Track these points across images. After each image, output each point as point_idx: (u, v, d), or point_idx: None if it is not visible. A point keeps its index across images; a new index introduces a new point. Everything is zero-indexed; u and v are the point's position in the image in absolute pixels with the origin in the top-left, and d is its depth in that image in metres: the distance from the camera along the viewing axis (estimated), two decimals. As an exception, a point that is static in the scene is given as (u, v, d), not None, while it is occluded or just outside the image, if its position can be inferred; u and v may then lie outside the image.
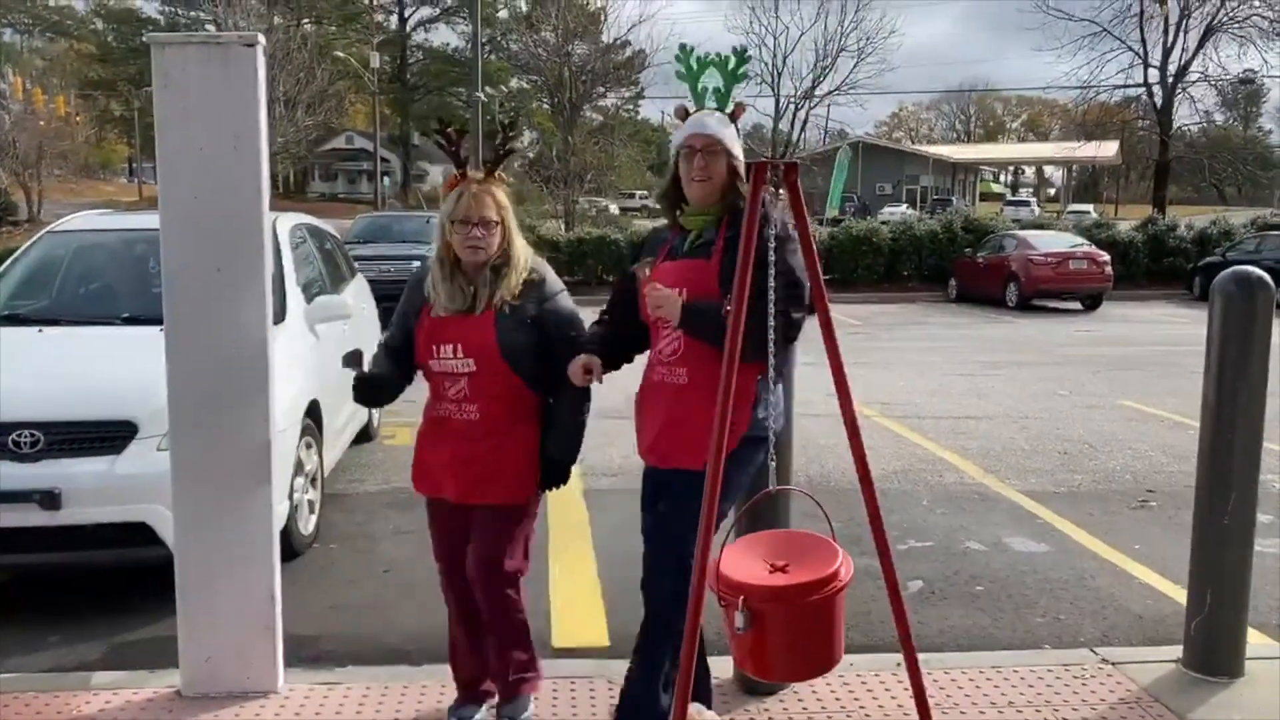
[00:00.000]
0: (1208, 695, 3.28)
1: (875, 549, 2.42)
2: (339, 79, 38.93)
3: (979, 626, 4.11)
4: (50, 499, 3.87)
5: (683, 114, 2.74)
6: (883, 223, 24.82)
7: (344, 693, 3.29)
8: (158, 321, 3.25)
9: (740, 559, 2.32)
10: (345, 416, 6.03)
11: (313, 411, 5.03)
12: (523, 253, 2.90)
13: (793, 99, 35.23)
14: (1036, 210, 43.36)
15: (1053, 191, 73.38)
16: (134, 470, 3.97)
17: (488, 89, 34.38)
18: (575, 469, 3.03)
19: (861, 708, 3.18)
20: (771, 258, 2.41)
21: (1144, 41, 32.03)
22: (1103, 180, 62.13)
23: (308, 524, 4.95)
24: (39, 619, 4.10)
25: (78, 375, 4.38)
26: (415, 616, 4.15)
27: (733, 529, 2.44)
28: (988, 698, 3.26)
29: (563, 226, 23.71)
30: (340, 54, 42.30)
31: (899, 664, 3.25)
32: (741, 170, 2.69)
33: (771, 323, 2.42)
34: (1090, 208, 43.95)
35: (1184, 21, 31.66)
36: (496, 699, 3.08)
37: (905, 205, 46.60)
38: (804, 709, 3.18)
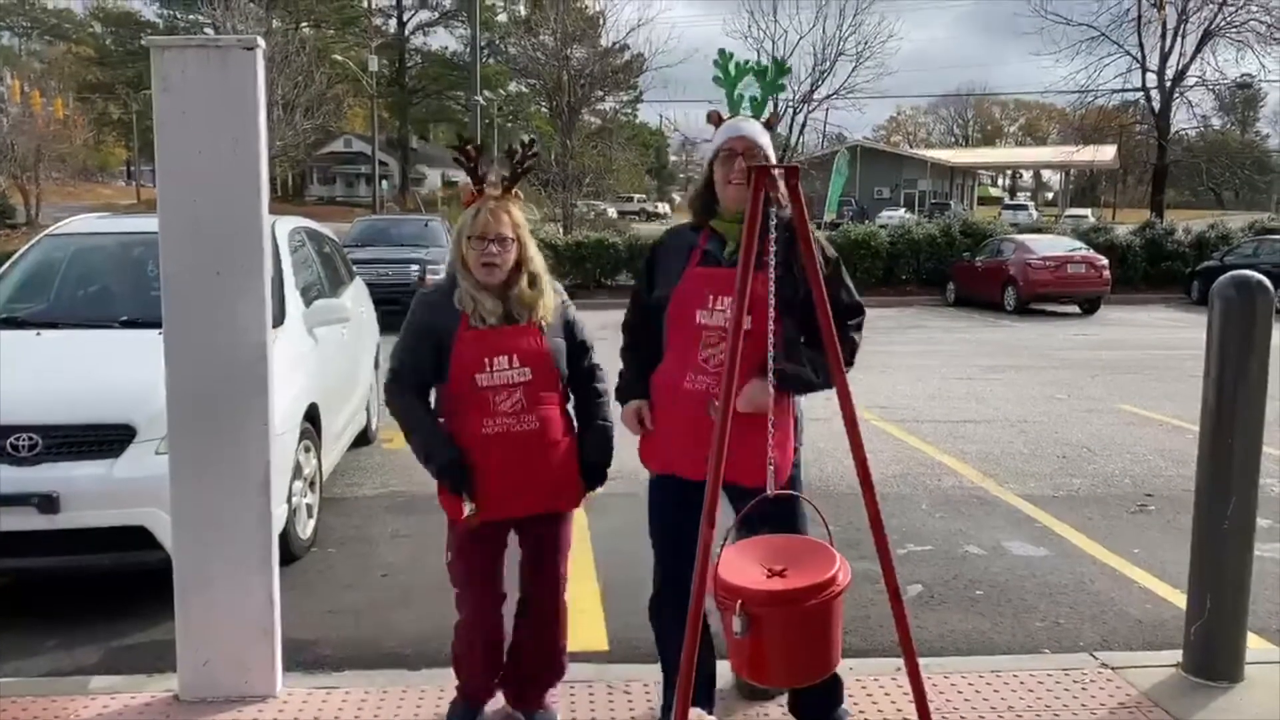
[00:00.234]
0: (1207, 700, 3.27)
1: (874, 552, 2.42)
2: (337, 82, 38.98)
3: (978, 631, 4.11)
4: (48, 502, 3.86)
5: (716, 119, 2.73)
6: (881, 226, 24.81)
7: (342, 697, 3.28)
8: (156, 325, 3.24)
9: (738, 563, 2.31)
10: (344, 420, 6.02)
11: (311, 415, 5.03)
12: (543, 264, 2.98)
13: (791, 103, 35.27)
14: (1034, 214, 43.40)
15: (1050, 195, 73.44)
16: (132, 474, 3.96)
17: (486, 93, 34.41)
18: None
19: (861, 712, 3.17)
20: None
21: (1142, 46, 32.11)
22: (1100, 184, 62.24)
23: (306, 528, 4.94)
24: (37, 623, 4.09)
25: (76, 378, 4.37)
26: (413, 621, 4.14)
27: (729, 534, 2.43)
28: (987, 702, 3.25)
29: (561, 230, 23.72)
30: (339, 57, 42.37)
31: (898, 668, 3.24)
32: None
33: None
34: (1088, 212, 44.08)
35: (1181, 26, 31.72)
36: (504, 703, 3.11)
37: (903, 209, 46.65)
38: (803, 713, 3.17)
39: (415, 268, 14.78)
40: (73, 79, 48.81)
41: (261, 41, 3.16)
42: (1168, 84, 32.32)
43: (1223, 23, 31.36)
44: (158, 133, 3.08)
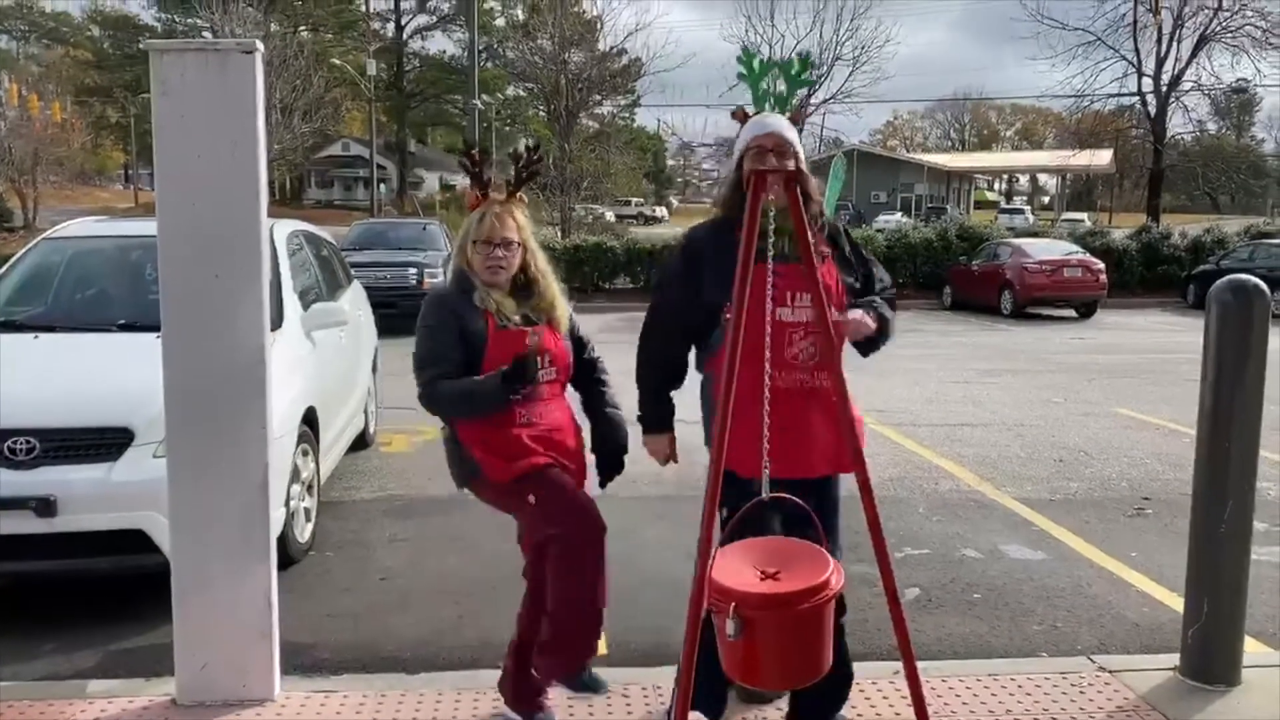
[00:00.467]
0: (1205, 703, 3.28)
1: (872, 556, 2.42)
2: (335, 86, 39.03)
3: (976, 634, 4.11)
4: (46, 506, 3.85)
5: (742, 116, 2.71)
6: (878, 231, 24.87)
7: (340, 701, 3.28)
8: (154, 328, 3.25)
9: (732, 566, 2.32)
10: (341, 423, 6.02)
11: (309, 418, 5.03)
12: (549, 266, 3.02)
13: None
14: (1031, 218, 43.55)
15: (1047, 199, 73.61)
16: (130, 477, 3.96)
17: (484, 97, 34.43)
18: None
19: (859, 715, 3.17)
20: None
21: (1138, 51, 32.19)
22: (1097, 188, 62.36)
23: (304, 531, 4.94)
24: (35, 627, 4.08)
25: (74, 382, 4.36)
26: (411, 624, 4.14)
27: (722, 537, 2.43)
28: (985, 705, 3.25)
29: (559, 233, 23.73)
30: (337, 61, 42.40)
31: (896, 671, 3.25)
32: (809, 176, 2.72)
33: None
34: (1084, 216, 44.13)
35: (1177, 31, 31.82)
36: (502, 706, 3.13)
37: (900, 213, 46.66)
38: (802, 717, 3.16)
39: (413, 271, 14.78)
40: (70, 82, 48.78)
41: (260, 45, 3.16)
42: (1163, 89, 32.41)
43: (1218, 28, 31.47)
44: (156, 136, 3.09)
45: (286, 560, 4.50)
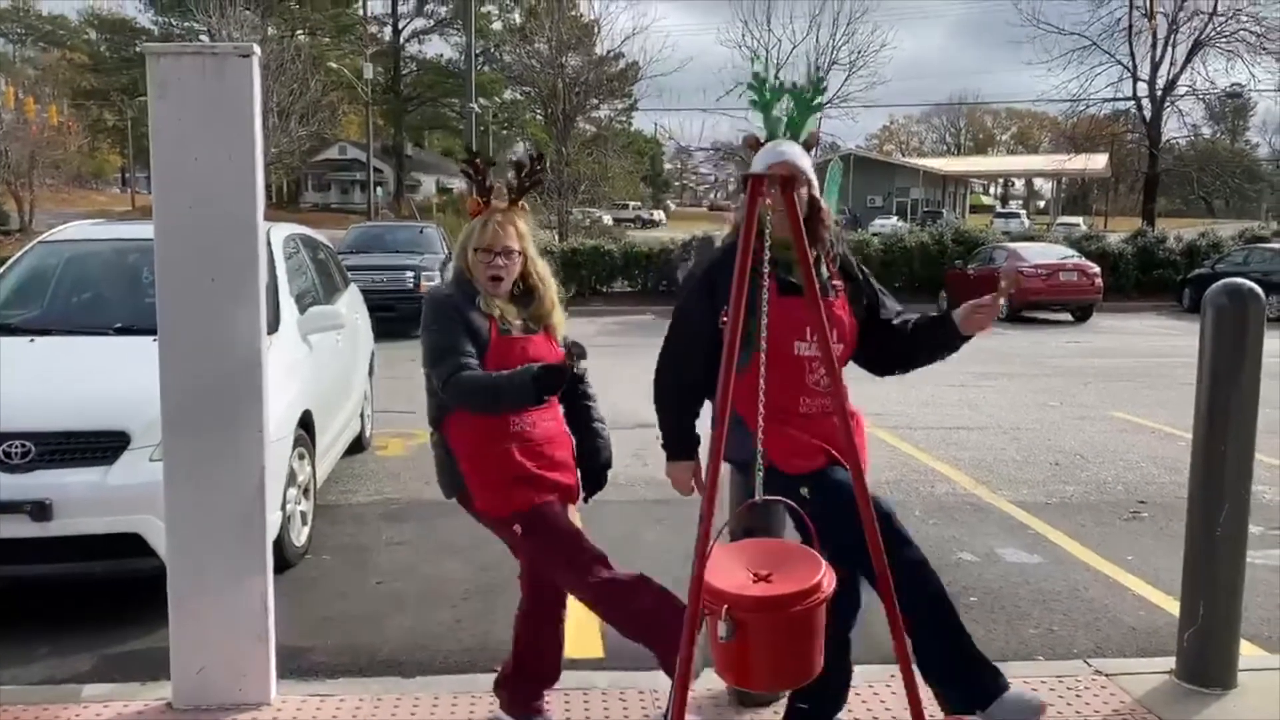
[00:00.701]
0: (1201, 707, 3.28)
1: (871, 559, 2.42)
2: (332, 89, 39.01)
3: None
4: (41, 510, 3.85)
5: (754, 143, 2.67)
6: (874, 235, 24.90)
7: (336, 704, 3.28)
8: (150, 331, 3.24)
9: (724, 568, 2.32)
10: (338, 427, 6.02)
11: (305, 422, 5.02)
12: (549, 274, 3.02)
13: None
14: (1026, 222, 43.60)
15: (1042, 204, 73.72)
16: (126, 481, 3.95)
17: (481, 100, 34.47)
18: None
19: (856, 719, 3.17)
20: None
21: (1133, 55, 32.35)
22: (1092, 193, 62.48)
23: (300, 535, 4.94)
24: (30, 630, 4.07)
25: (70, 385, 4.36)
26: (408, 628, 4.13)
27: (716, 540, 2.43)
28: (982, 709, 3.25)
29: (556, 237, 23.73)
30: (334, 65, 42.42)
31: (893, 675, 3.24)
32: (823, 201, 2.72)
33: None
34: (1080, 220, 44.17)
35: (1172, 36, 31.97)
36: (498, 709, 3.13)
37: (896, 217, 46.76)
38: (798, 720, 3.16)
39: (410, 275, 14.79)
40: (67, 85, 48.74)
41: (257, 49, 3.16)
42: (1158, 93, 32.54)
43: (1213, 33, 31.62)
44: (153, 139, 3.09)
45: (283, 564, 4.49)
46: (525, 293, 2.99)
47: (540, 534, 2.84)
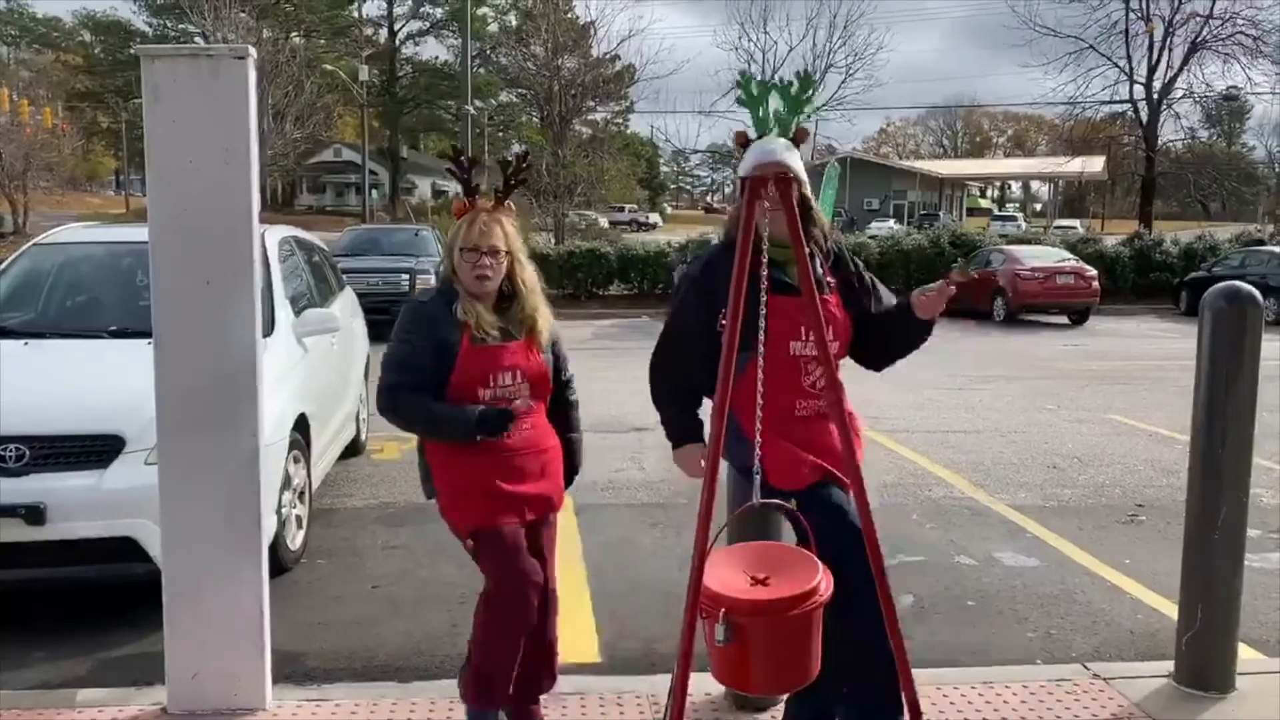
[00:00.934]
0: (1199, 710, 3.27)
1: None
2: (328, 92, 39.01)
3: (970, 641, 4.11)
4: (35, 514, 3.82)
5: (743, 140, 2.68)
6: (870, 237, 24.94)
7: (332, 709, 3.26)
8: (145, 334, 3.23)
9: (721, 571, 2.31)
10: (333, 430, 6.00)
11: (301, 425, 5.00)
12: (536, 277, 2.98)
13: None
14: (1023, 225, 43.65)
15: (1039, 207, 73.92)
16: (121, 484, 3.93)
17: (477, 102, 34.49)
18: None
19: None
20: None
21: (1129, 58, 32.44)
22: (1089, 195, 62.61)
23: (295, 539, 4.91)
24: (24, 635, 4.05)
25: (64, 388, 4.34)
26: (403, 632, 4.12)
27: (713, 544, 2.42)
28: (980, 713, 3.25)
29: (552, 240, 23.74)
30: (329, 67, 42.41)
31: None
32: (812, 199, 2.72)
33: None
34: (1077, 223, 44.28)
35: (1169, 39, 32.07)
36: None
37: (893, 220, 46.85)
38: (796, 725, 3.16)
39: (405, 277, 14.77)
40: (61, 88, 48.74)
41: (252, 51, 3.15)
42: (1155, 96, 32.62)
43: (1209, 36, 31.72)
44: (148, 142, 3.07)
45: (278, 568, 4.47)
46: (509, 296, 2.93)
47: (486, 557, 2.87)
